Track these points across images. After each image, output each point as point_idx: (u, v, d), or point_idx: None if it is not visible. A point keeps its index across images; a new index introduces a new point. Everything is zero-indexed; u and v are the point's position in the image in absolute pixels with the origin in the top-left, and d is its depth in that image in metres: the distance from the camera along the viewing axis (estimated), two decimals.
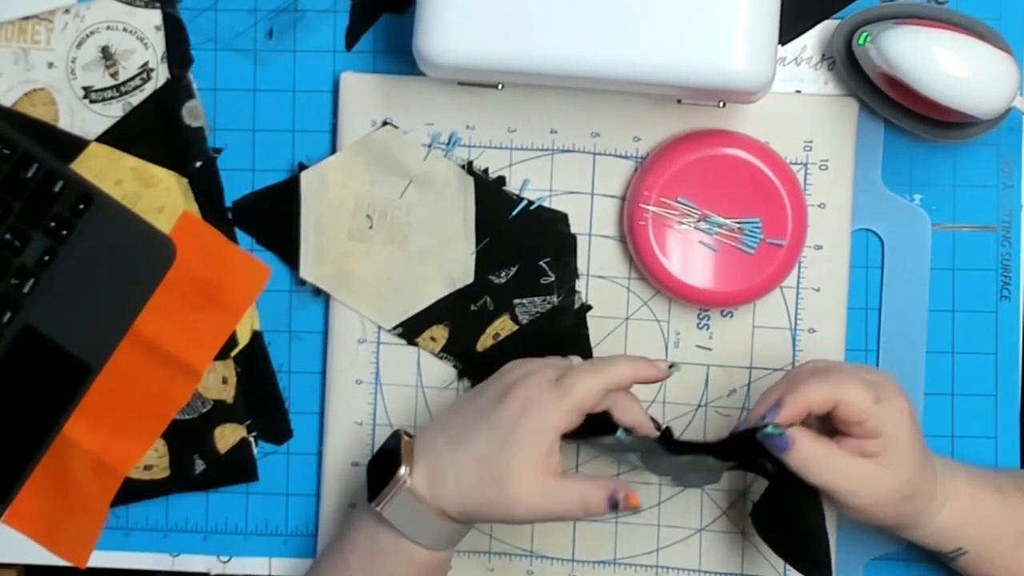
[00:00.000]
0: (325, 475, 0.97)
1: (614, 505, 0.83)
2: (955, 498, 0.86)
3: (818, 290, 0.94)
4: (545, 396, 0.83)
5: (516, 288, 0.95)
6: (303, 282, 0.97)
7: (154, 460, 0.97)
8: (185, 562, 0.98)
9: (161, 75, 0.97)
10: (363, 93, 0.96)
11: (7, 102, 0.97)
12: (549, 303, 0.95)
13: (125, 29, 0.97)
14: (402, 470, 0.83)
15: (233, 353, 0.96)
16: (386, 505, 0.83)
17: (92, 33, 0.97)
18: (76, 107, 0.97)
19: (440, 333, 0.96)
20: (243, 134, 0.97)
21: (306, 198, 0.96)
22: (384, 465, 0.85)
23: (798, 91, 0.95)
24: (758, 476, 0.87)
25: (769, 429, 0.82)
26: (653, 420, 0.87)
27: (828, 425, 0.84)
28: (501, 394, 0.85)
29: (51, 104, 0.97)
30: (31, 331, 0.93)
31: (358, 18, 0.97)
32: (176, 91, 0.96)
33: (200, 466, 0.97)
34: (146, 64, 0.97)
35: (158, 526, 0.98)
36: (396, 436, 0.86)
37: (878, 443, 0.82)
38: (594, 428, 0.86)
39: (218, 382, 0.97)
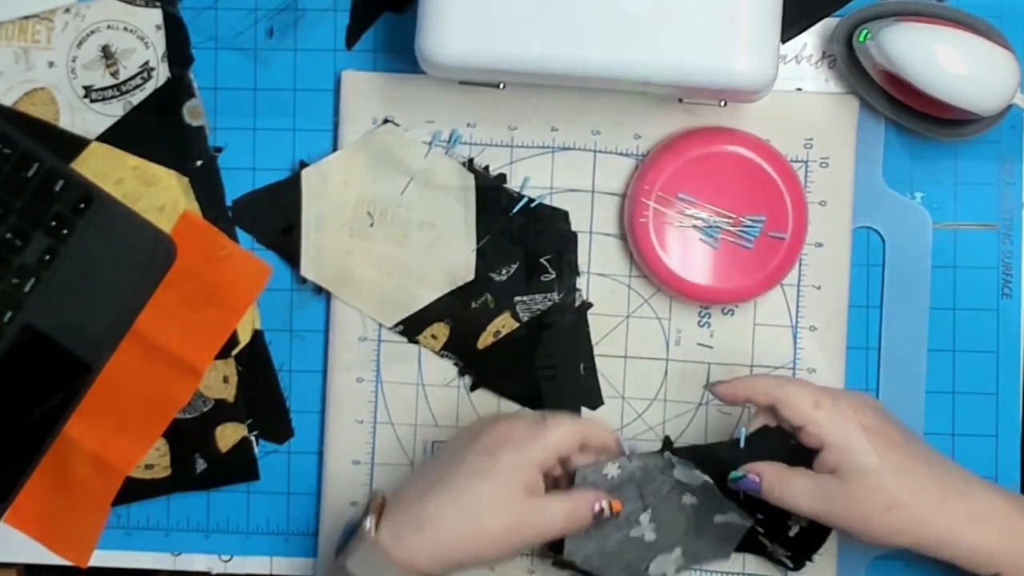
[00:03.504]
0: (326, 474, 0.97)
1: (599, 514, 0.83)
2: (987, 518, 0.81)
3: (819, 288, 0.94)
4: (524, 431, 0.83)
5: (517, 286, 0.95)
6: (304, 280, 0.97)
7: (155, 459, 0.97)
8: (186, 561, 0.98)
9: (162, 74, 0.97)
10: (364, 91, 0.96)
11: (7, 101, 0.97)
12: (550, 300, 0.95)
13: (125, 28, 0.97)
14: (367, 522, 0.81)
15: (234, 352, 0.96)
16: (350, 558, 0.80)
17: (92, 32, 0.97)
18: (76, 106, 0.97)
19: (441, 331, 0.96)
20: (244, 133, 0.97)
21: (307, 196, 0.96)
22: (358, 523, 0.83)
23: (799, 89, 0.95)
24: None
25: (731, 475, 0.84)
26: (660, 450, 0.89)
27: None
28: (474, 437, 0.84)
29: (51, 103, 0.97)
30: (32, 330, 0.93)
31: (358, 17, 0.97)
32: (177, 90, 0.96)
33: (201, 465, 0.97)
34: (147, 63, 0.97)
35: (159, 525, 0.98)
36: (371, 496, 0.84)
37: (828, 453, 0.81)
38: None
39: (219, 381, 0.97)
